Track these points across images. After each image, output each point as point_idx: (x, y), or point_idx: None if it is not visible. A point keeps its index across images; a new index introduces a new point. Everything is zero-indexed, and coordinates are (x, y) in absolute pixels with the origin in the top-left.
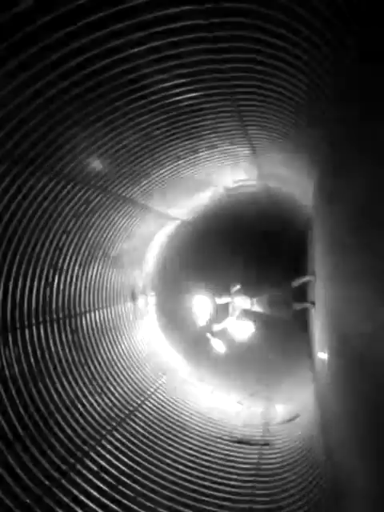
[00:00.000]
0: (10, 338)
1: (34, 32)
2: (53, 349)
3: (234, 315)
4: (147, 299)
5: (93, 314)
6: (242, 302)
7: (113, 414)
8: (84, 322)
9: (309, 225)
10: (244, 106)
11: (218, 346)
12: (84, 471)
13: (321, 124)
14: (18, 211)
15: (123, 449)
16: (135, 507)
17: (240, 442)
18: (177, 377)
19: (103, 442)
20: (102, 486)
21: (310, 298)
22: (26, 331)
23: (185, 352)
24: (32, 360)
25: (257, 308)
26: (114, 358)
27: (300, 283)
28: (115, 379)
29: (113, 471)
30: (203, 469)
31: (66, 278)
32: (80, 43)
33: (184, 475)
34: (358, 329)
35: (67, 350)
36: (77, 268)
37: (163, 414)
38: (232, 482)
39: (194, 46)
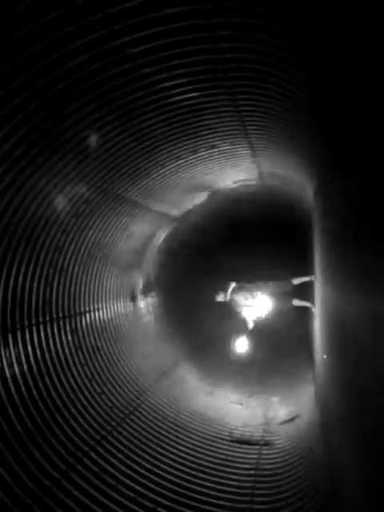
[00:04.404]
0: (10, 338)
1: (34, 32)
2: (53, 349)
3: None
4: (147, 299)
5: (93, 314)
6: (242, 298)
7: (113, 414)
8: (84, 321)
9: (309, 224)
10: (244, 105)
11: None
12: (84, 471)
13: (321, 122)
14: (18, 211)
15: (123, 449)
16: (135, 507)
17: (240, 441)
18: (177, 376)
19: (103, 442)
20: (101, 486)
21: (310, 297)
22: (26, 331)
23: (185, 352)
24: (32, 360)
25: (257, 302)
26: (114, 357)
27: (301, 282)
28: (115, 379)
29: (113, 471)
30: (203, 469)
31: (65, 277)
32: (79, 43)
33: (184, 475)
34: (358, 328)
35: (67, 350)
36: (77, 268)
37: (163, 414)
38: (232, 482)
39: (193, 45)
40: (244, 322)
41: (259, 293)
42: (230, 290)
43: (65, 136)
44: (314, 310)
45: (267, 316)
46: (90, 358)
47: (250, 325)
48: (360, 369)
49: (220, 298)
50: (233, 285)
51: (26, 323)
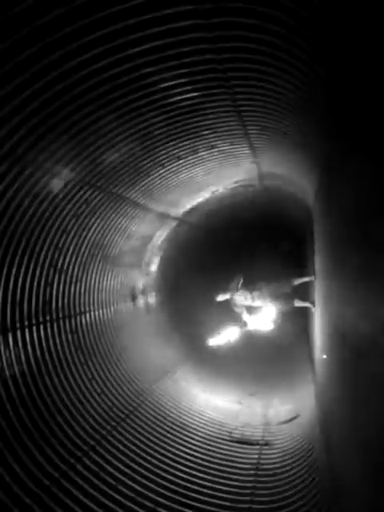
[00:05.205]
0: (10, 339)
1: (34, 32)
2: (53, 349)
3: (236, 311)
4: (147, 299)
5: (93, 314)
6: (242, 298)
7: (112, 414)
8: (84, 321)
9: (309, 224)
10: (244, 106)
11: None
12: (84, 471)
13: (321, 123)
14: (17, 211)
15: (123, 448)
16: (135, 507)
17: (240, 441)
18: (177, 376)
19: (103, 442)
20: (101, 485)
21: (310, 297)
22: (26, 331)
23: (185, 352)
24: (32, 360)
25: (257, 303)
26: (114, 357)
27: (301, 282)
28: (115, 379)
29: (113, 471)
30: (203, 469)
31: (65, 278)
32: (80, 43)
33: (184, 475)
34: (358, 329)
35: (67, 350)
36: (77, 268)
37: (163, 414)
38: (232, 482)
39: (193, 45)
40: (241, 321)
41: (258, 293)
42: (239, 284)
43: (65, 136)
44: (314, 310)
45: (270, 330)
46: (90, 357)
47: (246, 326)
48: (359, 369)
49: (220, 297)
50: (241, 279)
51: (26, 323)
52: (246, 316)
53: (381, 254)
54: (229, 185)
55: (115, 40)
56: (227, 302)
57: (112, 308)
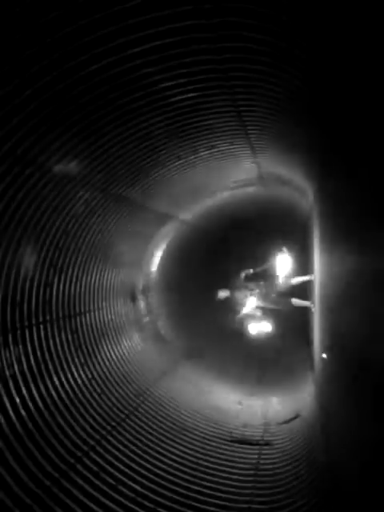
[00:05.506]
0: (10, 339)
1: (34, 32)
2: (53, 349)
3: (237, 310)
4: (147, 299)
5: (93, 314)
6: (242, 296)
7: (112, 414)
8: (84, 321)
9: (308, 224)
10: (244, 106)
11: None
12: (84, 471)
13: (321, 123)
14: (17, 211)
15: (123, 449)
16: (135, 507)
17: (240, 441)
18: (177, 376)
19: (103, 442)
20: (101, 486)
21: (309, 297)
22: (26, 331)
23: (185, 351)
24: (32, 360)
25: (256, 302)
26: (114, 358)
27: (299, 282)
28: (115, 379)
29: (113, 471)
30: (203, 469)
31: (66, 277)
32: (80, 43)
33: (184, 475)
34: (358, 329)
35: (67, 350)
36: (77, 268)
37: (163, 414)
38: (232, 482)
39: (193, 45)
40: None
41: (258, 292)
42: (249, 275)
43: (65, 136)
44: (313, 309)
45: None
46: (90, 358)
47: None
48: (359, 369)
49: (221, 295)
50: (251, 272)
51: (26, 323)
52: (245, 312)
53: (380, 254)
54: (229, 185)
55: (115, 40)
56: (227, 302)
57: (112, 308)
